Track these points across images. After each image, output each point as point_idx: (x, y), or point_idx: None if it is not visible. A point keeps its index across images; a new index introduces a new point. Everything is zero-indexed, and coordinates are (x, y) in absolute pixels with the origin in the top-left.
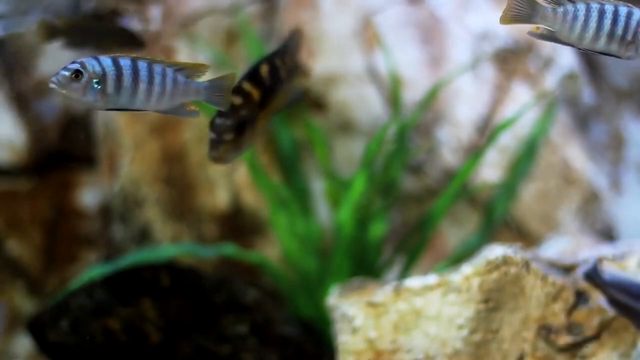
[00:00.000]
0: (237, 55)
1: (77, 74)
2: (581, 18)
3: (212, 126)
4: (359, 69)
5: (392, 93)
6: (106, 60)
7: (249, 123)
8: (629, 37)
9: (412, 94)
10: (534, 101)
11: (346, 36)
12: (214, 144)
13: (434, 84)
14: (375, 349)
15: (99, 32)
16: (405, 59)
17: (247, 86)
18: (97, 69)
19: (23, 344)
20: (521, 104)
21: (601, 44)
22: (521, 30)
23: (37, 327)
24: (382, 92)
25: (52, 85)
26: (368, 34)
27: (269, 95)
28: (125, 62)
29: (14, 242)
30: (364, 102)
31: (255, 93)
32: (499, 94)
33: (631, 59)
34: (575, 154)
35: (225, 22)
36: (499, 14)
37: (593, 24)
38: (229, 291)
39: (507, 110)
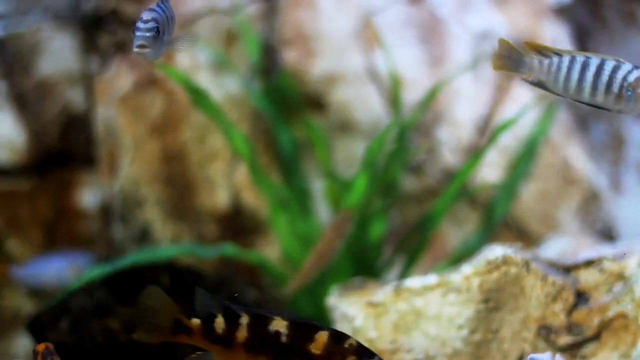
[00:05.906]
0: (237, 55)
1: (157, 31)
2: (564, 70)
3: None
4: (359, 69)
5: (392, 93)
6: (158, 9)
7: None
8: (615, 89)
9: (412, 94)
10: (535, 102)
11: (346, 36)
12: None
13: (434, 84)
14: (375, 349)
15: None
16: (405, 59)
17: None
18: (161, 18)
19: (23, 344)
20: (521, 104)
21: (586, 96)
22: (522, 30)
23: (37, 327)
24: (382, 92)
25: (138, 51)
26: (368, 34)
27: None
28: (167, 7)
29: (14, 242)
30: (364, 102)
31: None
32: (499, 94)
33: (622, 112)
34: (575, 154)
35: (225, 22)
36: (499, 14)
37: (575, 75)
38: (229, 291)
39: (507, 110)
